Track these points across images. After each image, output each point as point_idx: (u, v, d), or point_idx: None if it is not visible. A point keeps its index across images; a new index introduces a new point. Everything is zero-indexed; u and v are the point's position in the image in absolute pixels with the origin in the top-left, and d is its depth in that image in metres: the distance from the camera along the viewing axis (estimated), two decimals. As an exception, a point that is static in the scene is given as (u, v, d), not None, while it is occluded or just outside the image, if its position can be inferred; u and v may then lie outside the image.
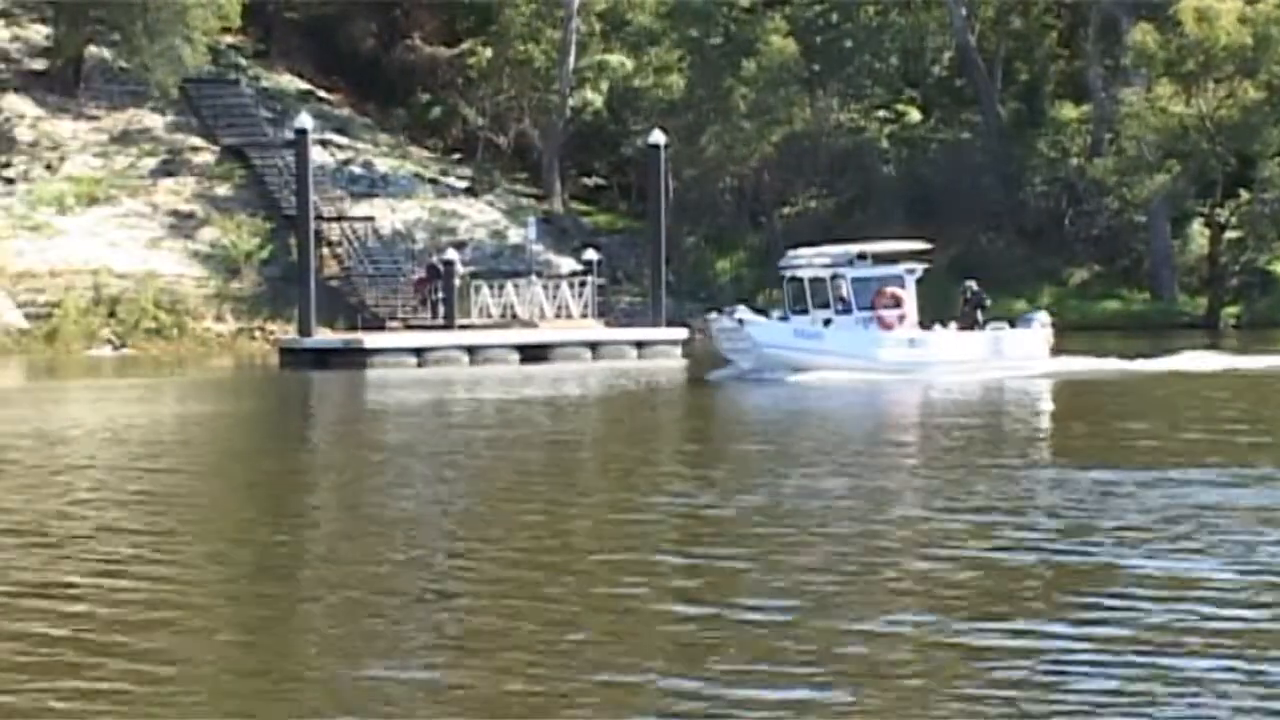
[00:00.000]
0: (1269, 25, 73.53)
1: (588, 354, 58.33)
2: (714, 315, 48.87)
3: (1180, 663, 11.80)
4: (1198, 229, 79.91)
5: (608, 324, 63.05)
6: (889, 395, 40.20)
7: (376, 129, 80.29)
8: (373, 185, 74.88)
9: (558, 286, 63.45)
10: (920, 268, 47.64)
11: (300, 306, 59.94)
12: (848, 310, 46.70)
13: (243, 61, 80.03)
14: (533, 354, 56.63)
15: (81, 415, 36.68)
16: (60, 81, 73.88)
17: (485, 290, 62.06)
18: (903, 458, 25.68)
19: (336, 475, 25.36)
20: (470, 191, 76.94)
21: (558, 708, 11.08)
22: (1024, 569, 15.54)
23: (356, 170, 75.55)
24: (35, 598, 14.85)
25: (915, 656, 12.18)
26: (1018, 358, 46.51)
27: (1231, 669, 11.61)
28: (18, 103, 72.52)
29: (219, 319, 67.53)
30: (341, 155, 75.83)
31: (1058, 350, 47.88)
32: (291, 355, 57.36)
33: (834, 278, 47.03)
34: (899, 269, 47.61)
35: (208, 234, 69.88)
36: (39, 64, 74.71)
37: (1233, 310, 76.46)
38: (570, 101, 79.66)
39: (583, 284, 63.34)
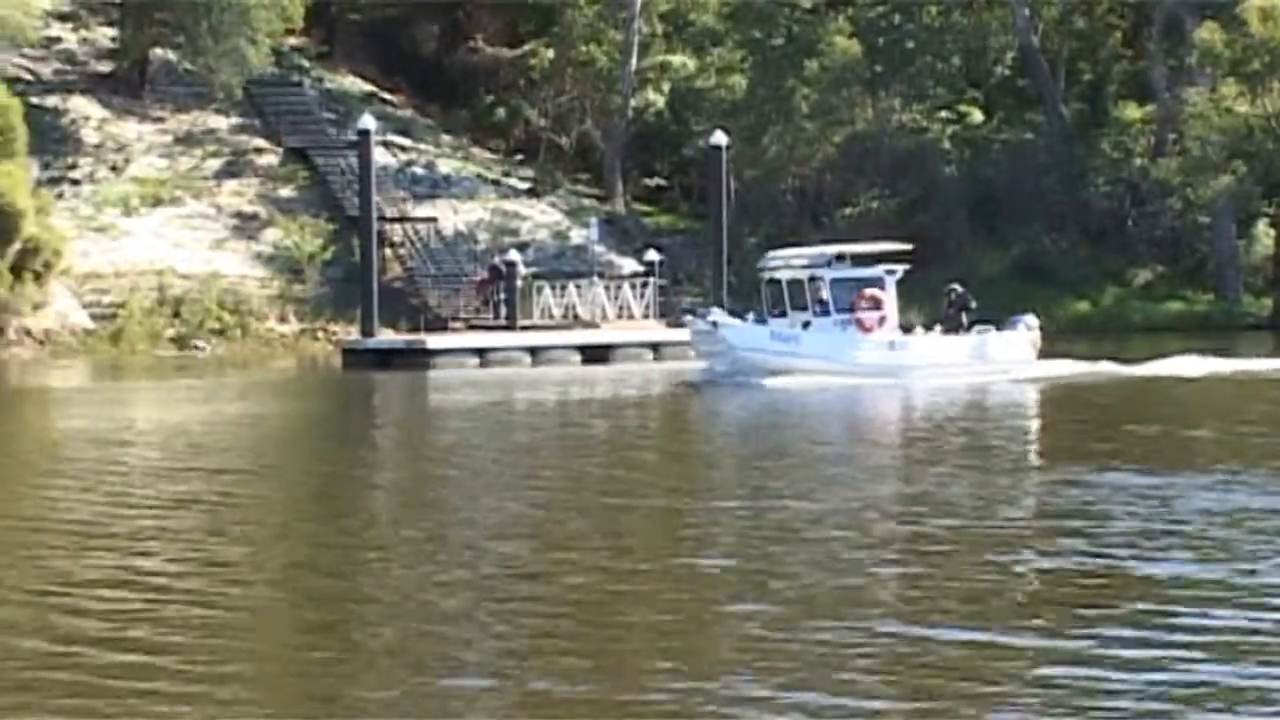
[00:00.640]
0: (1335, 25, 73.03)
1: (649, 355, 58.42)
2: (688, 317, 48.30)
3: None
4: (1263, 229, 79.46)
5: (669, 325, 63.09)
6: (864, 400, 39.32)
7: (439, 130, 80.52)
8: (435, 186, 75.12)
9: (619, 287, 63.55)
10: (901, 269, 46.49)
11: (363, 307, 60.20)
12: (826, 312, 45.62)
13: (306, 63, 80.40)
14: (594, 355, 56.76)
15: (151, 415, 36.95)
16: (126, 84, 74.39)
17: (547, 291, 62.21)
18: (927, 463, 25.63)
19: (399, 476, 25.46)
20: (532, 192, 77.10)
21: (626, 713, 11.14)
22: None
23: (419, 171, 75.80)
24: (84, 597, 14.96)
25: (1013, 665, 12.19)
26: (1003, 361, 45.18)
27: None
28: (84, 105, 73.05)
29: (282, 320, 67.88)
30: (404, 156, 76.10)
31: (1046, 353, 46.56)
32: (354, 356, 57.63)
33: (812, 279, 46.00)
34: (879, 270, 46.50)
35: (271, 235, 70.25)
36: (105, 66, 75.25)
37: (1298, 311, 75.97)
38: (632, 102, 79.73)
39: (644, 285, 63.42)
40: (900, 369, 44.32)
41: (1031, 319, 47.40)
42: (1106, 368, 45.51)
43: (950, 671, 11.96)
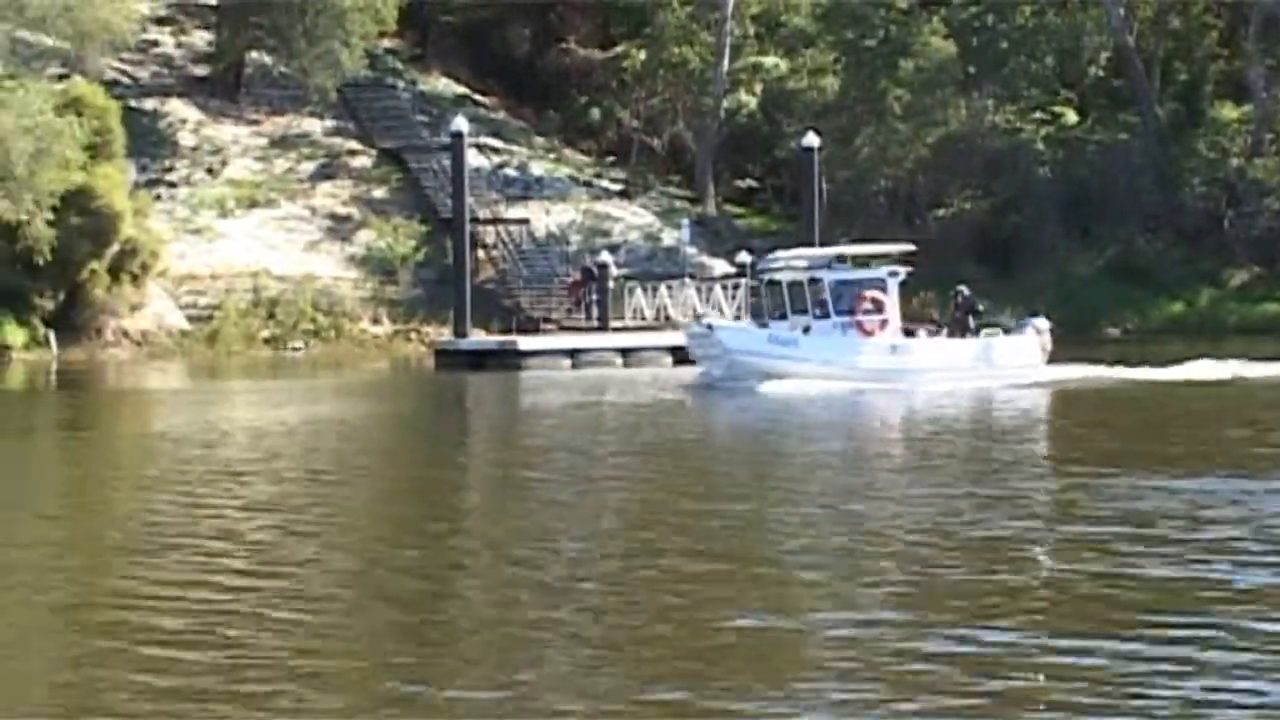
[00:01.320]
0: None
1: (740, 356, 58.33)
2: (685, 320, 47.81)
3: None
4: (1362, 231, 78.58)
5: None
6: (866, 405, 38.44)
7: (531, 132, 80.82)
8: (527, 188, 75.41)
9: (711, 289, 63.60)
10: (903, 270, 45.30)
11: (455, 308, 60.51)
12: (825, 315, 44.41)
13: (399, 65, 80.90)
14: (686, 356, 56.73)
15: (246, 416, 37.28)
16: (222, 87, 75.11)
17: (639, 292, 62.35)
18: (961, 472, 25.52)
19: (490, 476, 25.61)
20: (624, 194, 77.27)
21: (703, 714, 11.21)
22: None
23: (511, 173, 76.11)
24: (172, 599, 15.15)
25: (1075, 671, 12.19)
26: (1010, 366, 43.49)
27: None
28: (181, 108, 73.79)
29: (375, 321, 68.34)
30: (497, 158, 76.43)
31: (1055, 357, 44.71)
32: (447, 357, 57.92)
33: (813, 281, 44.79)
34: (881, 272, 45.27)
35: (364, 237, 70.73)
36: (201, 70, 76.00)
37: (1397, 314, 75.08)
38: (724, 104, 79.78)
39: (736, 286, 63.44)
40: (902, 373, 42.98)
41: (1042, 321, 45.45)
42: (1119, 372, 43.48)
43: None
